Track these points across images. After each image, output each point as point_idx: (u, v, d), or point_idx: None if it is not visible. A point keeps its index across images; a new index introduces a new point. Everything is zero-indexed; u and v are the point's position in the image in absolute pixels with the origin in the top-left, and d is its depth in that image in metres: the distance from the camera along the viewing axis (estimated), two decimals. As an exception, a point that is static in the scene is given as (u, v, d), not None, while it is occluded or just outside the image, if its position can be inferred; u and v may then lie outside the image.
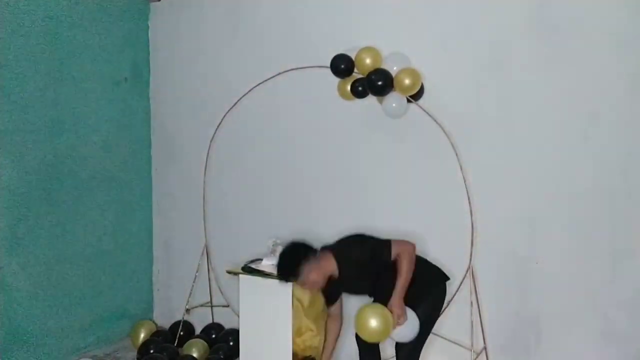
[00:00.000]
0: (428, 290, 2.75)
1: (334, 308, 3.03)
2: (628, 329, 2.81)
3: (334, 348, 3.13)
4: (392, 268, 2.65)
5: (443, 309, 2.94)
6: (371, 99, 3.23)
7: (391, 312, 2.54)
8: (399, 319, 2.55)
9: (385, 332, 2.52)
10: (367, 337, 2.56)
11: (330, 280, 2.74)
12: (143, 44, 4.30)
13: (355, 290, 2.91)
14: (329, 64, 3.18)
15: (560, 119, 2.91)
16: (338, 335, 3.11)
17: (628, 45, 2.75)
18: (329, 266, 2.70)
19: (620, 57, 2.78)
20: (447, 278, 2.85)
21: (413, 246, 2.68)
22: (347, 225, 3.46)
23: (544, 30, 2.92)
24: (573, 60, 2.87)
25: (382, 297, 2.64)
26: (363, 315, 2.52)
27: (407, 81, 2.99)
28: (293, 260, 2.68)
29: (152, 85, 4.35)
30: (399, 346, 2.72)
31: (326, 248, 2.78)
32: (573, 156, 2.89)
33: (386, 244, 2.67)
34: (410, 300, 2.63)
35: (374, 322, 2.48)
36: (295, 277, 2.67)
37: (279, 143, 3.76)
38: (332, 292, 2.94)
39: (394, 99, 3.07)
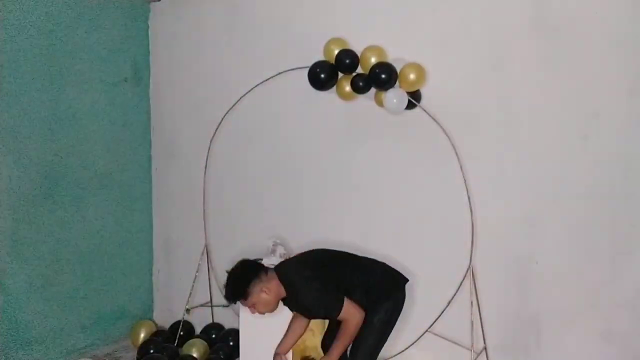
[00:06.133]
0: (385, 297, 2.69)
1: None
2: (628, 329, 2.80)
3: (292, 345, 2.93)
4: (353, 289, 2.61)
5: (440, 314, 3.00)
6: (371, 99, 3.23)
7: None
8: None
9: None
10: None
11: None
12: (143, 44, 4.30)
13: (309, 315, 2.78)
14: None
15: (560, 119, 2.91)
16: (300, 336, 2.92)
17: (628, 45, 2.75)
18: (280, 290, 2.61)
19: (620, 57, 2.77)
20: (406, 280, 2.80)
21: (361, 317, 2.55)
22: (347, 224, 3.48)
23: (544, 30, 2.92)
24: (573, 60, 2.87)
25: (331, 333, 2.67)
26: None
27: (412, 76, 2.99)
28: (245, 278, 2.58)
29: (152, 85, 4.35)
30: (354, 347, 2.64)
31: (279, 271, 2.66)
32: (573, 156, 2.89)
33: (338, 303, 2.53)
34: (367, 308, 2.59)
35: None
36: (245, 297, 2.56)
37: (278, 143, 3.75)
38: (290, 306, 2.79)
39: (394, 95, 3.06)
